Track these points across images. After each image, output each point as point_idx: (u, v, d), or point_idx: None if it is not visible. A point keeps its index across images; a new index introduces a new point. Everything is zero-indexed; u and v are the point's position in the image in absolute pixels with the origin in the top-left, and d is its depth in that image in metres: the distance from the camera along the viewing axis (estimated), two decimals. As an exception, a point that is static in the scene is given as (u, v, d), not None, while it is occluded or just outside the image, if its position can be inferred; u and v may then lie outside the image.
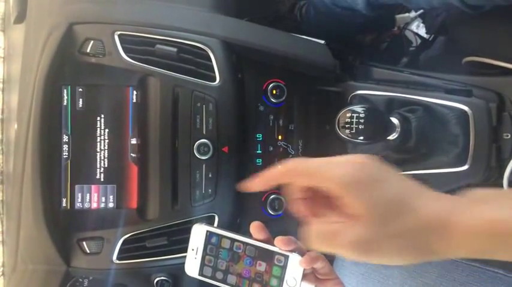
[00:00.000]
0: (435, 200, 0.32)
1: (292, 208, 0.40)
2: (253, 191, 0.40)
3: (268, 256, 0.47)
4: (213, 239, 0.49)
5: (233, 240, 0.48)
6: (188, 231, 0.60)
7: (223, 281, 0.48)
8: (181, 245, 0.60)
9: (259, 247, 0.47)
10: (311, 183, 0.36)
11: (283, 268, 0.46)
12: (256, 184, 0.39)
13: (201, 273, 0.48)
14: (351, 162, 0.34)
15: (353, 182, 0.33)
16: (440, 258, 0.32)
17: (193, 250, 0.49)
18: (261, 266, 0.47)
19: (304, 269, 0.46)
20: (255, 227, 0.47)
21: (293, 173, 0.37)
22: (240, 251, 0.47)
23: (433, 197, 0.33)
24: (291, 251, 0.46)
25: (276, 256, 0.47)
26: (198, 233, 0.49)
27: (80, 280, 0.62)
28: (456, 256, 0.31)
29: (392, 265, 0.61)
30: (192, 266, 0.49)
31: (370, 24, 0.79)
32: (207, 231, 0.49)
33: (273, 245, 0.47)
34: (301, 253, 0.47)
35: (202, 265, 0.48)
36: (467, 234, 0.30)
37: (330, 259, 0.71)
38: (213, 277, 0.48)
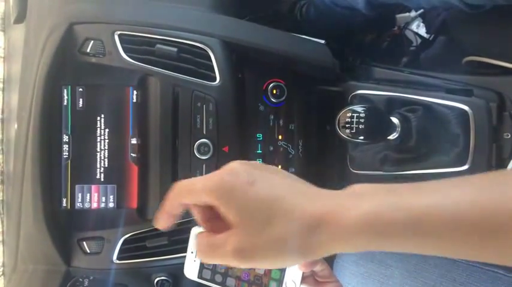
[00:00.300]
0: (312, 198, 0.31)
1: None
2: (164, 229, 0.38)
3: None
4: None
5: None
6: (188, 231, 0.60)
7: (222, 284, 0.48)
8: (182, 245, 0.60)
9: None
10: (193, 200, 0.35)
11: (282, 270, 0.46)
12: (162, 221, 0.37)
13: (200, 276, 0.48)
14: (221, 170, 0.33)
15: (221, 189, 0.32)
16: (322, 255, 0.31)
17: (192, 252, 0.49)
18: (260, 269, 0.47)
19: (303, 272, 0.46)
20: None
21: (177, 195, 0.36)
22: None
23: (310, 195, 0.32)
24: None
25: None
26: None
27: (80, 279, 0.62)
28: (338, 251, 0.31)
29: (393, 265, 0.61)
30: (191, 268, 0.49)
31: (370, 24, 0.79)
32: None
33: None
34: None
35: (202, 267, 0.48)
36: (344, 228, 0.29)
37: (329, 260, 0.71)
38: (212, 280, 0.48)
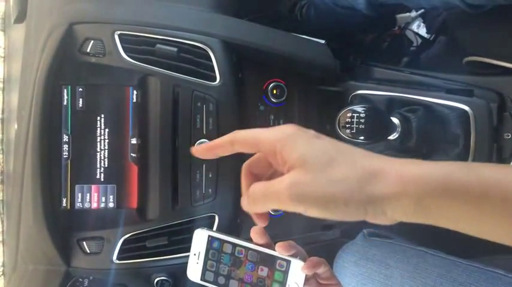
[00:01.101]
0: (372, 157, 0.32)
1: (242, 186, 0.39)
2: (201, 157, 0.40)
3: (270, 261, 0.47)
4: (215, 244, 0.49)
5: (235, 245, 0.48)
6: (189, 231, 0.60)
7: (225, 286, 0.48)
8: (182, 245, 0.60)
9: (261, 251, 0.47)
10: (253, 148, 0.36)
11: (285, 272, 0.46)
12: (203, 150, 0.40)
13: (203, 278, 0.48)
14: (289, 125, 0.35)
15: (291, 136, 0.33)
16: (379, 208, 0.30)
17: (195, 254, 0.49)
18: (263, 271, 0.47)
19: (306, 275, 0.46)
20: (255, 232, 0.47)
21: (237, 140, 0.37)
22: (241, 256, 0.48)
23: (367, 154, 0.33)
24: (292, 256, 0.46)
25: (278, 261, 0.47)
26: (200, 238, 0.49)
27: (80, 279, 0.62)
28: (395, 211, 0.30)
29: (393, 265, 0.61)
30: (194, 271, 0.49)
31: (370, 24, 0.79)
32: (209, 236, 0.49)
33: (274, 249, 0.47)
34: (303, 257, 0.47)
35: (204, 269, 0.48)
36: (408, 181, 0.29)
37: (330, 261, 0.71)
38: (215, 282, 0.48)
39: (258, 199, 0.35)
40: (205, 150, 0.40)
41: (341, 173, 0.31)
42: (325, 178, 0.31)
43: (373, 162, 0.31)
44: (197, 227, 0.59)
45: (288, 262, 0.46)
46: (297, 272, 0.46)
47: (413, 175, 0.29)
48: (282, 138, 0.33)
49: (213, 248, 0.49)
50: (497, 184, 0.28)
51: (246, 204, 0.37)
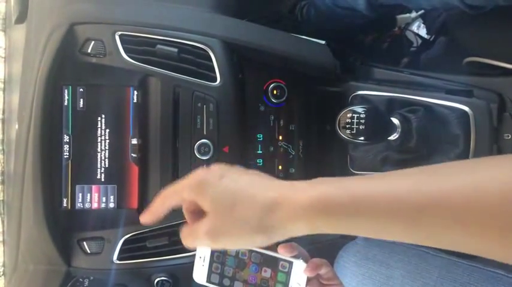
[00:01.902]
0: (269, 187, 0.37)
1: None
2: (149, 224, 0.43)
3: (273, 263, 0.48)
4: None
5: None
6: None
7: None
8: (182, 245, 0.59)
9: (264, 253, 0.48)
10: (177, 199, 0.41)
11: (288, 274, 0.47)
12: (147, 218, 0.43)
13: (208, 280, 0.49)
14: (199, 171, 0.40)
15: (196, 183, 0.38)
16: (282, 235, 0.36)
17: (200, 257, 0.50)
18: (267, 273, 0.48)
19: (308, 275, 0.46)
20: None
21: (165, 197, 0.41)
22: (245, 258, 0.48)
23: (269, 185, 0.37)
24: (294, 257, 0.47)
25: (281, 262, 0.47)
26: None
27: (81, 280, 0.62)
28: (296, 232, 0.35)
29: (393, 265, 0.61)
30: (200, 273, 0.50)
31: (370, 25, 0.79)
32: None
33: (277, 251, 0.48)
34: (304, 258, 0.47)
35: (210, 272, 0.49)
36: (296, 209, 0.34)
37: (331, 260, 0.71)
38: (220, 284, 0.49)
39: (186, 241, 0.41)
40: (150, 215, 0.43)
41: (242, 213, 0.36)
42: (231, 220, 0.36)
43: (269, 194, 0.36)
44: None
45: (291, 263, 0.47)
46: (299, 273, 0.46)
47: (300, 202, 0.34)
48: (195, 189, 0.38)
49: (218, 251, 0.49)
50: (363, 197, 0.32)
51: (183, 241, 0.42)
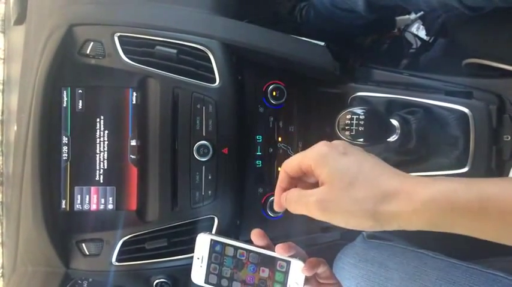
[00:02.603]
0: (394, 175, 0.37)
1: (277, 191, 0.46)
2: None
3: (270, 262, 0.48)
4: (217, 248, 0.50)
5: (236, 248, 0.49)
6: (188, 233, 0.60)
7: None
8: (181, 247, 0.60)
9: (262, 253, 0.48)
10: (301, 170, 0.42)
11: (286, 273, 0.47)
12: (281, 201, 0.44)
13: (207, 281, 0.50)
14: (322, 143, 0.41)
15: (321, 155, 0.39)
16: (392, 226, 0.35)
17: (198, 258, 0.50)
18: (264, 272, 0.48)
19: (306, 275, 0.46)
20: (255, 234, 0.48)
21: (287, 170, 0.44)
22: (243, 258, 0.48)
23: (391, 173, 0.37)
24: (292, 256, 0.47)
25: (278, 262, 0.47)
26: (203, 242, 0.50)
27: (79, 281, 0.62)
28: (410, 226, 0.35)
29: (392, 267, 0.61)
30: (198, 274, 0.50)
31: (370, 26, 0.79)
32: (211, 240, 0.50)
33: (274, 251, 0.48)
34: (302, 258, 0.47)
35: (208, 272, 0.49)
36: (415, 203, 0.34)
37: (329, 262, 0.71)
38: (218, 285, 0.49)
39: (291, 203, 0.42)
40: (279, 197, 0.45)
41: (360, 193, 0.36)
42: (347, 197, 0.36)
43: (389, 181, 0.36)
44: (196, 229, 0.60)
45: (288, 262, 0.47)
46: (297, 272, 0.46)
47: (423, 196, 0.33)
48: (316, 159, 0.39)
49: (216, 251, 0.49)
50: (495, 199, 0.31)
51: (278, 203, 0.44)
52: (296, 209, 0.41)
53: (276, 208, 0.46)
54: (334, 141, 0.41)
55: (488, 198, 0.32)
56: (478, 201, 0.32)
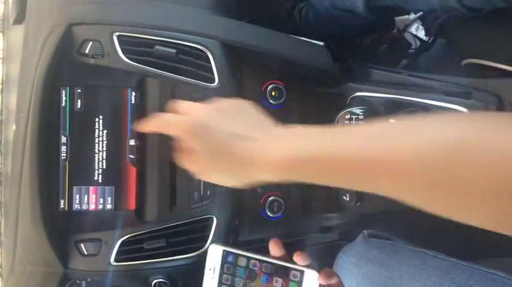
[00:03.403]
0: (250, 142, 0.42)
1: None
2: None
3: (284, 272, 0.47)
4: (230, 258, 0.49)
5: (249, 258, 0.49)
6: (187, 233, 0.60)
7: None
8: (180, 247, 0.59)
9: (275, 263, 0.48)
10: (167, 132, 0.46)
11: (299, 283, 0.47)
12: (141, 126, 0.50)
13: None
14: (192, 116, 0.45)
15: (187, 131, 0.44)
16: (253, 180, 0.43)
17: (210, 269, 0.50)
18: (278, 283, 0.47)
19: (320, 284, 0.46)
20: (274, 244, 0.48)
21: (155, 126, 0.48)
22: (256, 268, 0.48)
23: (253, 140, 0.42)
24: (306, 266, 0.47)
25: (292, 272, 0.47)
26: (215, 253, 0.50)
27: (78, 281, 0.62)
28: (272, 181, 0.41)
29: (392, 266, 0.61)
30: (209, 285, 0.49)
31: (369, 27, 0.79)
32: (224, 250, 0.50)
33: (288, 261, 0.47)
34: (314, 269, 0.47)
35: (220, 283, 0.49)
36: (272, 165, 0.40)
37: (330, 261, 0.71)
38: None
39: (179, 162, 0.48)
40: (143, 127, 0.50)
41: (224, 165, 0.43)
42: (215, 168, 0.44)
43: (247, 151, 0.41)
44: (195, 229, 0.60)
45: (302, 272, 0.47)
46: (311, 282, 0.46)
47: (274, 161, 0.40)
48: (185, 132, 0.44)
49: (228, 262, 0.49)
50: (329, 159, 0.36)
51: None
52: (182, 164, 0.48)
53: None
54: (204, 114, 0.45)
55: (322, 158, 0.37)
56: (315, 161, 0.37)
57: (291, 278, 0.47)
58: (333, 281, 0.47)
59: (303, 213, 0.67)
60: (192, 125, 0.44)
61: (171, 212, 0.60)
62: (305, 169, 0.38)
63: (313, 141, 0.38)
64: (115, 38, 0.58)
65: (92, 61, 0.59)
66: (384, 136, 0.34)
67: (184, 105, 0.47)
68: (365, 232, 0.68)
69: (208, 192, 0.60)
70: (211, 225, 0.60)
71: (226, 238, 0.59)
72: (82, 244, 0.60)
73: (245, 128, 0.43)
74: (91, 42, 0.59)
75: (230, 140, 0.42)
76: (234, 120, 0.44)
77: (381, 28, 0.89)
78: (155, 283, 0.61)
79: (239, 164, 0.42)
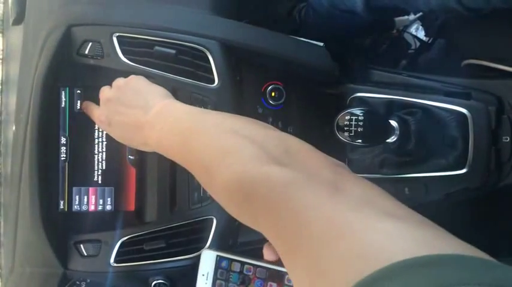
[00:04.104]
0: (145, 109, 0.51)
1: None
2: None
3: (278, 277, 0.47)
4: (223, 263, 0.49)
5: (243, 263, 0.48)
6: (186, 234, 0.60)
7: None
8: (179, 248, 0.59)
9: (270, 268, 0.47)
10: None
11: None
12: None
13: None
14: (99, 112, 0.57)
15: (98, 122, 0.58)
16: (146, 145, 0.51)
17: (203, 275, 0.49)
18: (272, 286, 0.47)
19: None
20: (268, 248, 0.48)
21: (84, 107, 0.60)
22: (250, 273, 0.48)
23: (146, 106, 0.51)
24: None
25: (286, 276, 0.47)
26: (208, 258, 0.49)
27: (77, 282, 0.62)
28: (153, 147, 0.50)
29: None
30: None
31: (369, 27, 0.79)
32: (217, 256, 0.49)
33: (282, 266, 0.47)
34: None
35: None
36: (148, 140, 0.49)
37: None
38: None
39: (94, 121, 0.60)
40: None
41: (121, 124, 0.53)
42: (114, 126, 0.55)
43: (142, 117, 0.50)
44: (195, 230, 0.60)
45: None
46: None
47: (151, 136, 0.49)
48: (95, 121, 0.59)
49: (222, 267, 0.49)
50: (172, 145, 0.47)
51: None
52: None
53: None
54: (111, 101, 0.55)
55: (168, 137, 0.47)
56: (164, 137, 0.47)
57: (286, 282, 0.47)
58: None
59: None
60: (96, 121, 0.57)
61: (171, 213, 0.60)
62: (161, 147, 0.48)
63: (167, 124, 0.47)
64: (115, 39, 0.58)
65: (91, 62, 0.59)
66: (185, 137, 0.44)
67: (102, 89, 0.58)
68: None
69: (208, 193, 0.60)
70: (211, 226, 0.60)
71: (226, 239, 0.59)
72: (82, 245, 0.60)
73: (136, 101, 0.52)
74: (91, 43, 0.59)
75: (125, 111, 0.52)
76: (127, 95, 0.53)
77: (381, 28, 0.89)
78: (155, 284, 0.61)
79: (132, 129, 0.51)
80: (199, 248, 0.58)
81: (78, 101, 0.60)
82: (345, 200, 0.30)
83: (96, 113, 0.57)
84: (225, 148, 0.40)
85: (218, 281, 0.49)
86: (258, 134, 0.40)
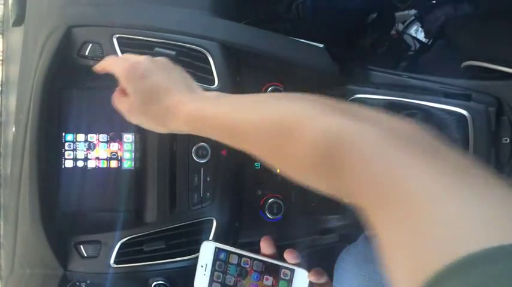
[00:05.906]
0: (173, 94, 0.48)
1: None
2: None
3: (274, 270, 0.48)
4: (222, 256, 0.49)
5: (241, 255, 0.49)
6: (186, 235, 0.60)
7: None
8: (179, 249, 0.59)
9: (266, 261, 0.48)
10: (105, 70, 0.53)
11: (289, 281, 0.47)
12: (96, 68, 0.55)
13: None
14: (129, 63, 0.49)
15: (124, 75, 0.49)
16: (170, 127, 0.48)
17: (202, 266, 0.50)
18: (268, 281, 0.48)
19: (310, 281, 0.46)
20: (266, 242, 0.48)
21: (106, 66, 0.53)
22: (247, 266, 0.48)
23: (177, 94, 0.48)
24: (296, 265, 0.47)
25: (282, 270, 0.47)
26: (207, 250, 0.50)
27: (77, 283, 0.62)
28: (179, 129, 0.47)
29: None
30: (201, 282, 0.50)
31: (369, 24, 0.79)
32: (216, 247, 0.50)
33: (278, 259, 0.47)
34: (304, 267, 0.47)
35: (211, 281, 0.49)
36: (183, 117, 0.46)
37: (332, 261, 0.71)
38: None
39: (115, 104, 0.52)
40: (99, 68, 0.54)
41: (152, 108, 0.48)
42: (144, 111, 0.49)
43: (169, 101, 0.47)
44: (195, 231, 0.60)
45: (292, 271, 0.47)
46: (301, 280, 0.46)
47: (181, 115, 0.46)
48: (120, 74, 0.49)
49: (220, 259, 0.49)
50: (209, 121, 0.44)
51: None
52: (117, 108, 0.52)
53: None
54: (143, 63, 0.50)
55: (205, 119, 0.44)
56: (205, 114, 0.44)
57: (281, 276, 0.47)
58: (323, 280, 0.47)
59: (303, 215, 0.67)
60: (130, 68, 0.49)
61: (171, 214, 0.60)
62: (199, 124, 0.46)
63: (207, 105, 0.46)
64: (115, 40, 0.58)
65: (91, 63, 0.59)
66: (242, 110, 0.42)
67: (130, 55, 0.53)
68: (366, 233, 0.68)
69: (208, 194, 0.60)
70: (211, 227, 0.60)
71: (226, 240, 0.59)
72: (82, 246, 0.60)
73: (172, 83, 0.49)
74: (91, 44, 0.59)
75: (157, 89, 0.48)
76: (164, 74, 0.50)
77: (381, 26, 0.89)
78: (155, 285, 0.61)
79: (160, 111, 0.48)
80: (199, 249, 0.58)
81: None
82: (441, 164, 0.30)
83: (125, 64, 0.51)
84: (294, 109, 0.37)
85: (216, 273, 0.49)
86: (310, 97, 0.39)
